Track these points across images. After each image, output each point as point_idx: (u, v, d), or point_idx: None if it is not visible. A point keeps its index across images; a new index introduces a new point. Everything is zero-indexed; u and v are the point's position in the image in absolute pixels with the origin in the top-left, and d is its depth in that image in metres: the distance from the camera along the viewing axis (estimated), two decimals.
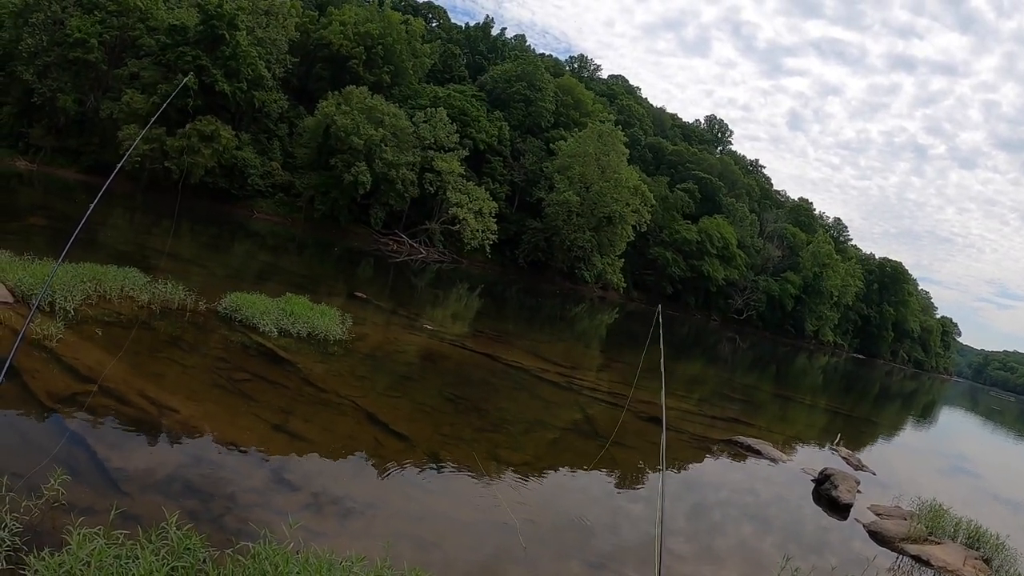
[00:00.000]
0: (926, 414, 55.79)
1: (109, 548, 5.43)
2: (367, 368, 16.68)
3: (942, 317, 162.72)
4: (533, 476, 12.33)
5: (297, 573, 5.70)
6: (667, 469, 15.65)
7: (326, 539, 7.64)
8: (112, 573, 5.15)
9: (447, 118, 63.73)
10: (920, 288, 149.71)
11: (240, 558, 5.82)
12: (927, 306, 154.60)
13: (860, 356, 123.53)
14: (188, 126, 50.68)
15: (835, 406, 40.43)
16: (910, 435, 39.49)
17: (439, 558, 8.20)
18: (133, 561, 5.33)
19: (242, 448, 9.46)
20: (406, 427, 12.72)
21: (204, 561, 5.69)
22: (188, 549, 5.77)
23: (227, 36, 52.36)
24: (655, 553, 5.17)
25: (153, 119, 13.29)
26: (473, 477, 11.18)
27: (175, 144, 49.91)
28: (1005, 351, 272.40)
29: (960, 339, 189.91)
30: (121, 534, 5.70)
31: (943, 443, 40.17)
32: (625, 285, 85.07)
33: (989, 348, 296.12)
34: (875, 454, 24.83)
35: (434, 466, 11.22)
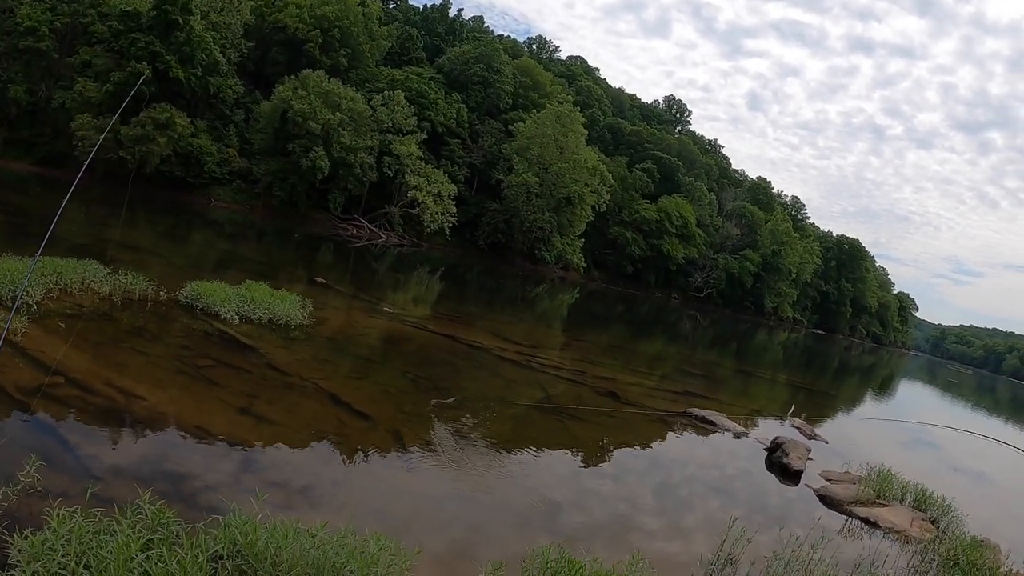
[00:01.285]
0: (885, 387, 57.34)
1: (87, 525, 5.76)
2: (329, 351, 17.01)
3: (899, 293, 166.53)
4: (497, 453, 12.79)
5: (265, 539, 6.10)
6: (623, 444, 16.23)
7: (292, 513, 8.00)
8: (92, 547, 5.49)
9: (405, 101, 63.52)
10: (878, 265, 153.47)
11: (211, 530, 6.21)
12: (885, 282, 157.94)
13: (819, 331, 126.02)
14: (142, 114, 49.88)
15: (795, 380, 41.54)
16: (867, 407, 40.61)
17: (408, 533, 8.60)
18: (111, 535, 5.67)
19: (209, 432, 9.79)
20: (369, 407, 13.12)
21: (177, 534, 6.03)
22: (162, 523, 6.12)
23: (180, 21, 51.57)
24: None
25: (115, 117, 13.35)
26: (436, 456, 11.59)
27: (130, 133, 49.12)
28: (962, 325, 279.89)
29: (917, 314, 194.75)
30: (98, 512, 6.03)
31: (897, 414, 41.33)
32: (585, 265, 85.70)
33: (946, 323, 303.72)
34: (830, 425, 25.75)
35: (398, 445, 11.63)
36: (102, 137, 12.38)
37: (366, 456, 10.78)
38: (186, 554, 5.62)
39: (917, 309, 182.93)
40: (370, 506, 9.02)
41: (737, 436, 19.35)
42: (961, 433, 32.13)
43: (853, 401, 40.30)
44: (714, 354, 47.20)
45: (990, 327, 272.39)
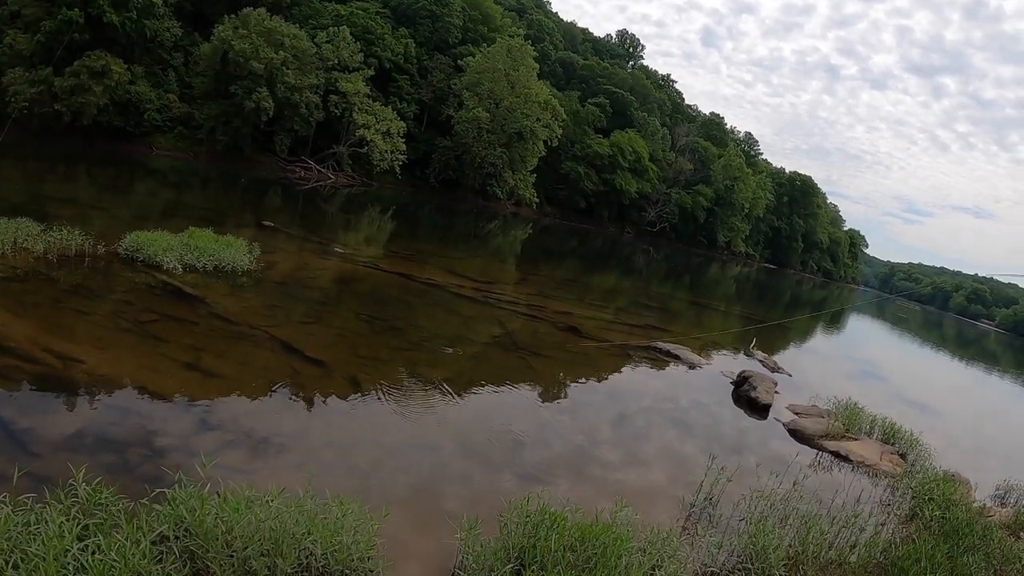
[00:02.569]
0: (836, 321, 58.41)
1: (16, 516, 5.22)
2: (278, 297, 16.40)
3: (850, 230, 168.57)
4: (457, 393, 12.49)
5: (215, 514, 5.62)
6: (590, 379, 16.06)
7: (248, 476, 7.60)
8: (22, 541, 4.95)
9: (350, 37, 61.33)
10: (829, 202, 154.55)
11: (156, 506, 5.73)
12: (836, 219, 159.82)
13: (771, 266, 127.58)
14: (76, 63, 47.12)
15: (748, 312, 42.01)
16: (822, 341, 41.47)
17: (373, 484, 8.28)
18: (43, 525, 5.14)
19: (154, 392, 9.26)
20: (323, 353, 12.69)
21: (118, 515, 5.53)
22: (99, 504, 5.61)
23: None
24: None
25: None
26: (395, 399, 11.25)
27: (64, 84, 46.37)
28: (911, 263, 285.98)
29: (867, 251, 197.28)
30: (29, 499, 5.50)
31: (853, 348, 42.41)
32: (538, 201, 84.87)
33: (895, 260, 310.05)
34: (790, 357, 26.03)
35: (355, 392, 11.25)
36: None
37: (323, 405, 10.39)
38: (126, 540, 5.09)
39: (867, 246, 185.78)
40: (330, 460, 8.64)
41: (702, 370, 19.39)
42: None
43: (806, 334, 40.84)
44: (668, 287, 47.45)
45: (938, 266, 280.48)
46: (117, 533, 5.19)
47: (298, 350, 12.38)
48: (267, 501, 6.08)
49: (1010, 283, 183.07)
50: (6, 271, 13.00)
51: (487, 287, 24.55)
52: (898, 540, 9.47)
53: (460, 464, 9.63)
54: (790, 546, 8.39)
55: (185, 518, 5.55)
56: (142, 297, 13.46)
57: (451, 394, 12.25)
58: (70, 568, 4.78)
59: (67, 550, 4.86)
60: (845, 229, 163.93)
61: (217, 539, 5.45)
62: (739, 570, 7.85)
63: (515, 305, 22.25)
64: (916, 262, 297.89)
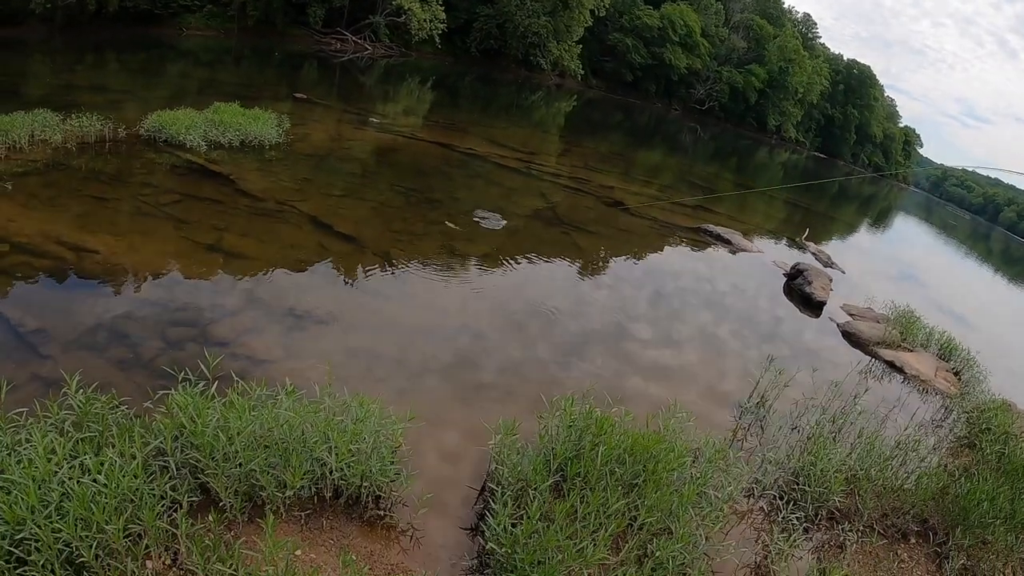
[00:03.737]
0: (888, 221, 56.51)
1: (3, 435, 4.64)
2: (309, 170, 15.57)
3: (905, 127, 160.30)
4: (494, 268, 11.95)
5: (216, 422, 5.01)
6: (638, 258, 15.28)
7: (267, 368, 7.09)
8: (7, 466, 4.34)
9: None
10: (886, 95, 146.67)
11: (156, 416, 5.15)
12: (892, 114, 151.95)
13: (821, 155, 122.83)
14: None
15: (795, 199, 40.55)
16: (872, 239, 39.84)
17: (401, 371, 7.77)
18: (31, 446, 4.52)
19: (172, 278, 8.74)
20: (354, 228, 12.10)
21: (112, 427, 4.93)
22: (92, 417, 4.99)
23: None
24: None
25: None
26: (429, 276, 10.63)
27: None
28: (964, 169, 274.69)
29: (921, 151, 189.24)
30: (20, 413, 4.89)
31: (904, 250, 40.74)
32: (583, 72, 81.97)
33: (949, 163, 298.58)
34: (841, 252, 24.67)
35: (387, 269, 10.67)
36: None
37: (352, 286, 9.80)
38: (117, 458, 4.46)
39: (922, 145, 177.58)
40: (357, 346, 8.09)
41: (753, 257, 18.54)
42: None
43: (854, 229, 39.40)
44: (715, 167, 45.83)
45: (992, 176, 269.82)
46: (109, 450, 4.56)
47: (328, 225, 11.77)
48: (277, 401, 5.47)
49: None
50: (24, 166, 12.05)
51: (529, 158, 23.68)
52: (957, 471, 8.81)
53: (496, 336, 9.01)
54: (848, 468, 7.79)
55: (185, 427, 4.93)
56: (163, 178, 12.71)
57: (489, 269, 11.57)
58: (54, 495, 4.16)
59: (53, 472, 4.26)
60: (900, 125, 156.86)
61: (218, 452, 4.86)
62: (795, 490, 7.21)
63: (558, 177, 21.42)
64: (971, 169, 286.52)
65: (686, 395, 9.14)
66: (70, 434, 4.72)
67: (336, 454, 5.20)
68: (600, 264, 14.28)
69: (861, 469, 7.81)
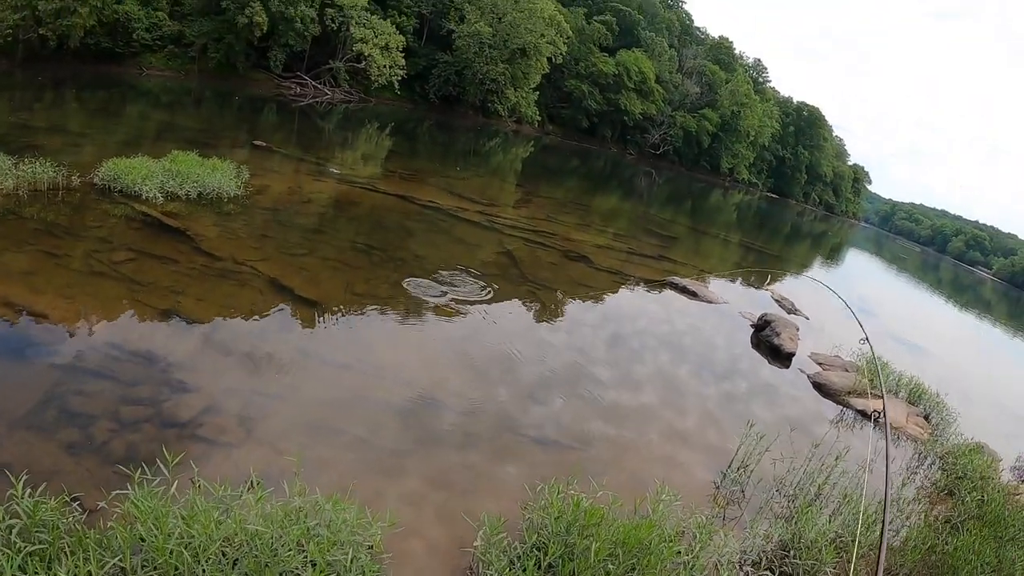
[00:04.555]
0: (839, 257, 58.09)
1: None
2: (268, 225, 15.12)
3: (855, 165, 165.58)
4: (471, 333, 11.70)
5: (180, 534, 4.59)
6: (606, 313, 15.12)
7: (231, 452, 6.66)
8: None
9: None
10: (835, 135, 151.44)
11: (112, 523, 4.68)
12: (841, 152, 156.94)
13: (773, 195, 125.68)
14: None
15: (749, 241, 41.35)
16: (828, 278, 40.32)
17: (369, 447, 7.41)
18: None
19: (127, 349, 8.20)
20: (315, 291, 11.64)
21: (63, 535, 4.49)
22: (40, 526, 4.50)
23: None
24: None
25: None
26: (396, 341, 10.27)
27: (48, 7, 43.66)
28: (912, 203, 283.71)
29: (870, 187, 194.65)
30: None
31: (860, 287, 41.46)
32: (540, 118, 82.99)
33: (898, 199, 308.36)
34: (803, 296, 24.85)
35: (351, 334, 10.33)
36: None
37: (315, 355, 9.35)
38: None
39: (871, 182, 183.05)
40: (322, 424, 7.66)
41: (720, 308, 18.64)
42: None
43: (807, 268, 40.00)
44: (670, 212, 46.44)
45: (939, 208, 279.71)
46: (59, 568, 4.11)
47: (288, 288, 11.31)
48: (233, 495, 5.07)
49: (1010, 233, 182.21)
50: None
51: (490, 209, 23.55)
52: (940, 524, 8.81)
53: (458, 377, 8.72)
54: (836, 534, 7.63)
55: (144, 539, 4.49)
56: (118, 233, 12.17)
57: (452, 320, 11.27)
58: None
59: None
60: (850, 164, 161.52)
61: (183, 570, 4.42)
62: (786, 563, 7.03)
63: (520, 231, 21.26)
64: (919, 202, 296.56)
65: (667, 464, 8.92)
66: (17, 545, 4.22)
67: (314, 566, 4.79)
68: (562, 322, 14.07)
69: (849, 536, 7.62)
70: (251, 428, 7.15)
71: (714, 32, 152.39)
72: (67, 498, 4.76)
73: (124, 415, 6.85)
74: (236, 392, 7.78)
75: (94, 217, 12.74)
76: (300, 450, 6.05)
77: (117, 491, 4.98)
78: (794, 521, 7.58)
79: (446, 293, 13.17)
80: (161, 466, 4.97)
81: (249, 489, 5.21)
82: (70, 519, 4.66)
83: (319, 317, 10.65)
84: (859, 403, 13.60)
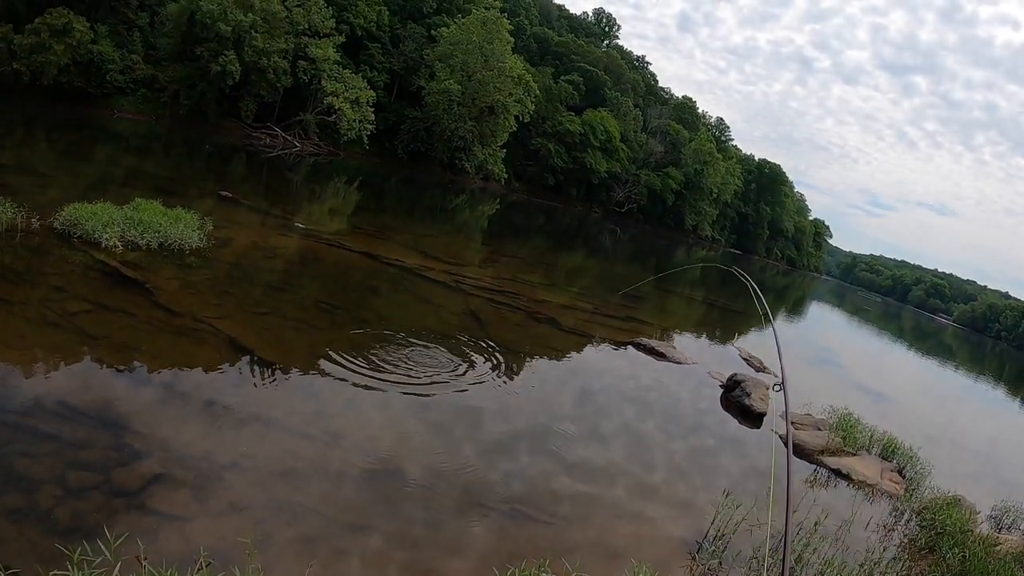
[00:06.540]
0: (803, 310, 58.96)
1: None
2: (230, 280, 14.86)
3: (815, 219, 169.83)
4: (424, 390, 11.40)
5: None
6: (574, 377, 14.99)
7: (182, 526, 6.30)
8: None
9: (323, 2, 59.25)
10: (796, 191, 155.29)
11: None
12: (802, 208, 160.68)
13: (736, 251, 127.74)
14: (37, 20, 44.51)
15: (712, 299, 42.07)
16: (795, 332, 40.92)
17: (329, 518, 7.10)
18: None
19: (76, 409, 7.82)
20: (275, 353, 11.23)
21: None
22: None
23: None
24: None
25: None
26: (360, 407, 10.03)
27: (24, 42, 43.66)
28: (872, 255, 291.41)
29: (831, 241, 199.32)
30: None
31: (828, 340, 42.26)
32: (507, 176, 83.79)
33: (858, 251, 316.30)
34: (769, 353, 24.91)
35: (313, 401, 9.98)
36: None
37: (273, 423, 8.94)
38: None
39: (831, 236, 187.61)
40: (279, 500, 7.30)
41: (688, 369, 18.64)
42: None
43: (779, 323, 40.46)
44: (635, 268, 47.21)
45: (899, 259, 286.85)
46: None
47: (249, 350, 10.96)
48: None
49: (968, 280, 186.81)
50: None
51: (457, 269, 23.43)
52: None
53: (426, 441, 8.50)
54: None
55: None
56: (75, 282, 11.85)
57: (421, 394, 11.07)
58: None
59: None
60: (810, 218, 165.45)
61: None
62: None
63: (487, 291, 21.10)
64: (878, 254, 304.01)
65: (639, 539, 8.72)
66: None
67: None
68: (532, 389, 13.82)
69: None
70: (204, 499, 6.82)
71: (678, 92, 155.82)
72: (3, 572, 4.53)
73: (71, 481, 6.52)
74: (190, 460, 7.45)
75: (52, 264, 12.42)
76: (255, 525, 5.79)
77: (56, 572, 4.70)
78: None
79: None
80: (104, 547, 4.73)
81: (198, 571, 4.96)
82: None
83: (279, 379, 10.34)
84: (832, 461, 13.63)
